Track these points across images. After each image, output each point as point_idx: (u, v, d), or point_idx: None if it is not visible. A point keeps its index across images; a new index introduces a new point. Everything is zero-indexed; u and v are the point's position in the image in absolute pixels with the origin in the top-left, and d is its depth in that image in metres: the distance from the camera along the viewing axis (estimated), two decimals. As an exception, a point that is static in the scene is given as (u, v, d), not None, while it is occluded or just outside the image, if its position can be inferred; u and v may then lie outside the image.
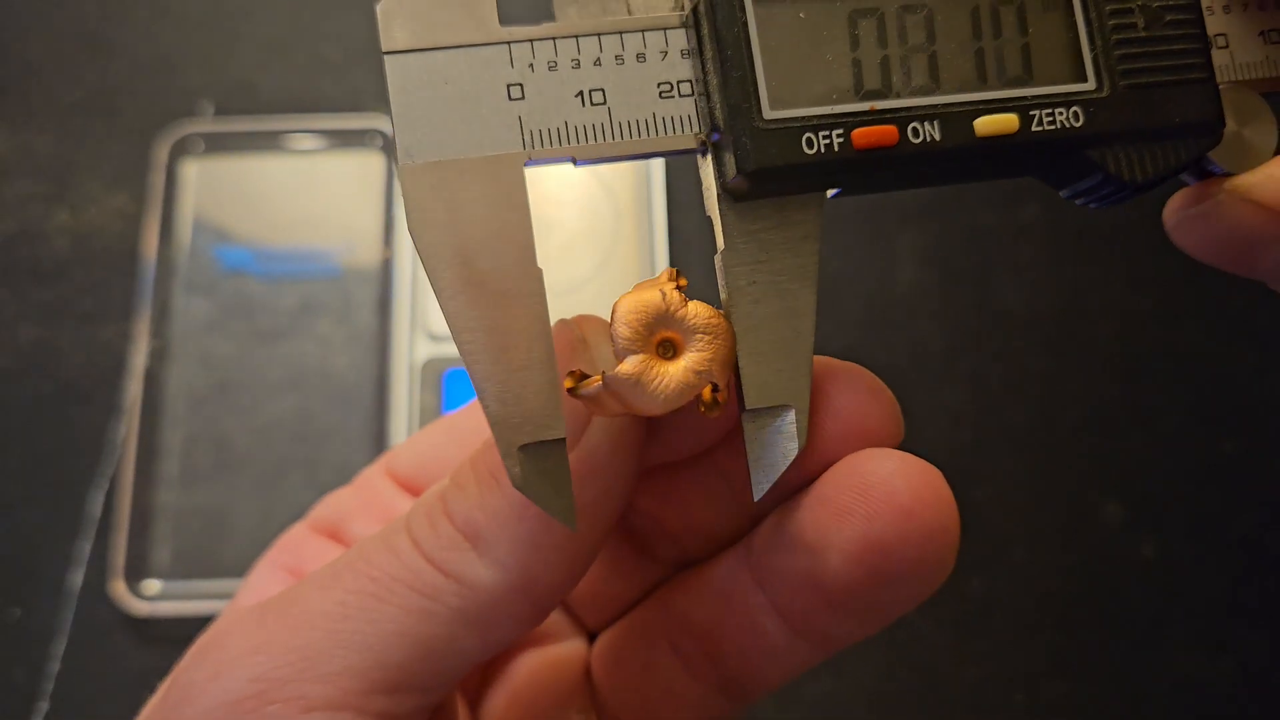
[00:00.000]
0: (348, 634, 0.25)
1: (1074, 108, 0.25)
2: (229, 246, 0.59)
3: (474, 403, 0.30)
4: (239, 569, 0.56)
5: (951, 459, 0.64)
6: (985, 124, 0.25)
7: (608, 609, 0.31)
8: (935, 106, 0.24)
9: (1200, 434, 0.58)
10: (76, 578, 0.53)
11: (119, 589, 0.53)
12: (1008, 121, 0.25)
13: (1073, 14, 0.25)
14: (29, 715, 0.52)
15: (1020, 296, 0.60)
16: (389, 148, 0.60)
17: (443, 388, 0.56)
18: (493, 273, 0.24)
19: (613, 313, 0.24)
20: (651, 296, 0.24)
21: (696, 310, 0.24)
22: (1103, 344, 0.59)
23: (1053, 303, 0.60)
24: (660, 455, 0.27)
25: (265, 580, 0.31)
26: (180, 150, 0.60)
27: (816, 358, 0.25)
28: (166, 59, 0.62)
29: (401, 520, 0.26)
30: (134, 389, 0.55)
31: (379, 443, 0.56)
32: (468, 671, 0.26)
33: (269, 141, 0.60)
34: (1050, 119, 0.25)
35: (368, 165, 0.60)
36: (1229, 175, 0.26)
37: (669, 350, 0.24)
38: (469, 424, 0.30)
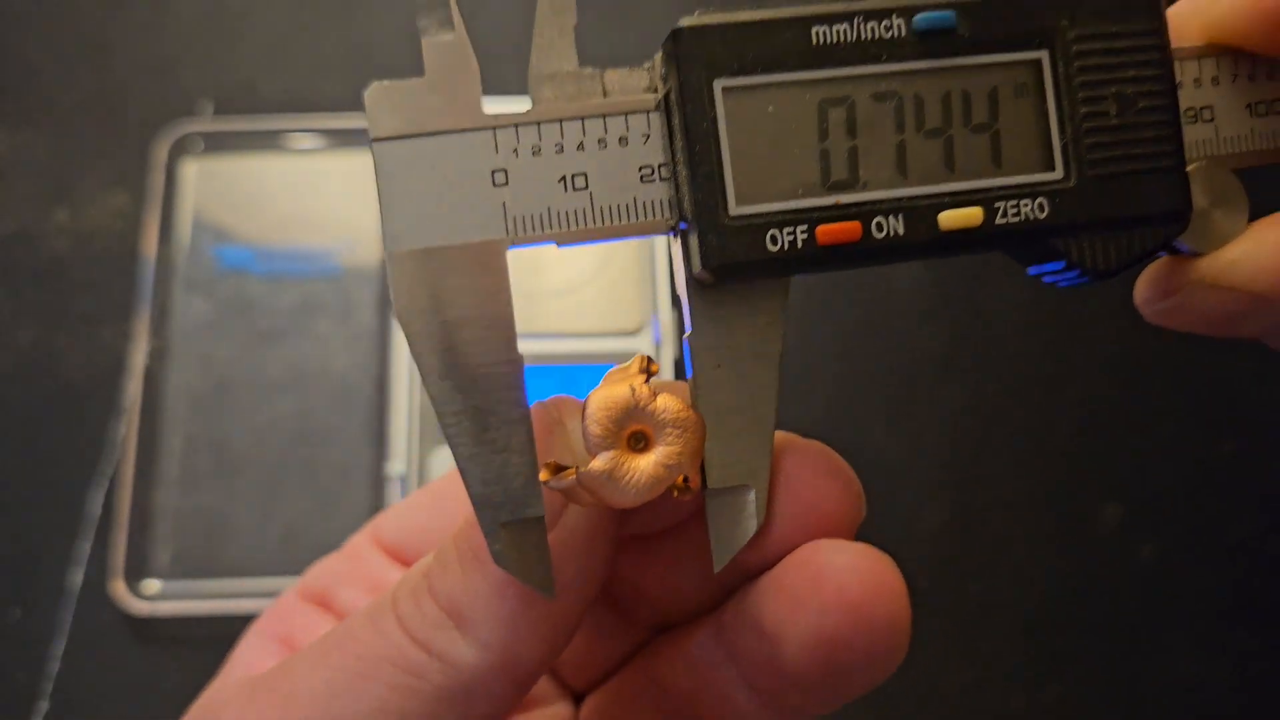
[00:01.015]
0: (336, 711, 0.26)
1: (1039, 198, 0.25)
2: (229, 246, 0.59)
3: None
4: (239, 569, 0.56)
5: (951, 461, 0.64)
6: (950, 218, 0.25)
7: (593, 672, 0.32)
8: (901, 200, 0.25)
9: (1199, 436, 0.58)
10: (76, 578, 0.53)
11: (119, 589, 0.53)
12: (972, 215, 0.25)
13: (1045, 101, 0.26)
14: (29, 715, 0.52)
15: (1019, 299, 0.60)
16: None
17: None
18: (475, 358, 0.24)
19: (584, 408, 0.25)
20: (621, 392, 0.25)
21: (666, 404, 0.25)
22: (1101, 347, 0.60)
23: (1051, 306, 0.60)
24: (638, 527, 0.28)
25: (256, 650, 0.32)
26: (180, 150, 0.60)
27: (781, 435, 0.26)
28: (166, 59, 0.62)
29: (387, 598, 0.27)
30: (134, 389, 0.56)
31: (379, 442, 0.56)
32: None
33: (269, 141, 0.60)
34: (1015, 210, 0.25)
35: (367, 165, 0.60)
36: (1195, 254, 0.26)
37: (640, 442, 0.25)
38: (454, 491, 0.31)
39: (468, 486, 0.25)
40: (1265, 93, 0.27)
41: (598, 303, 0.58)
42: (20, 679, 0.53)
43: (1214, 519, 0.57)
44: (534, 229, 0.25)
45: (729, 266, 0.25)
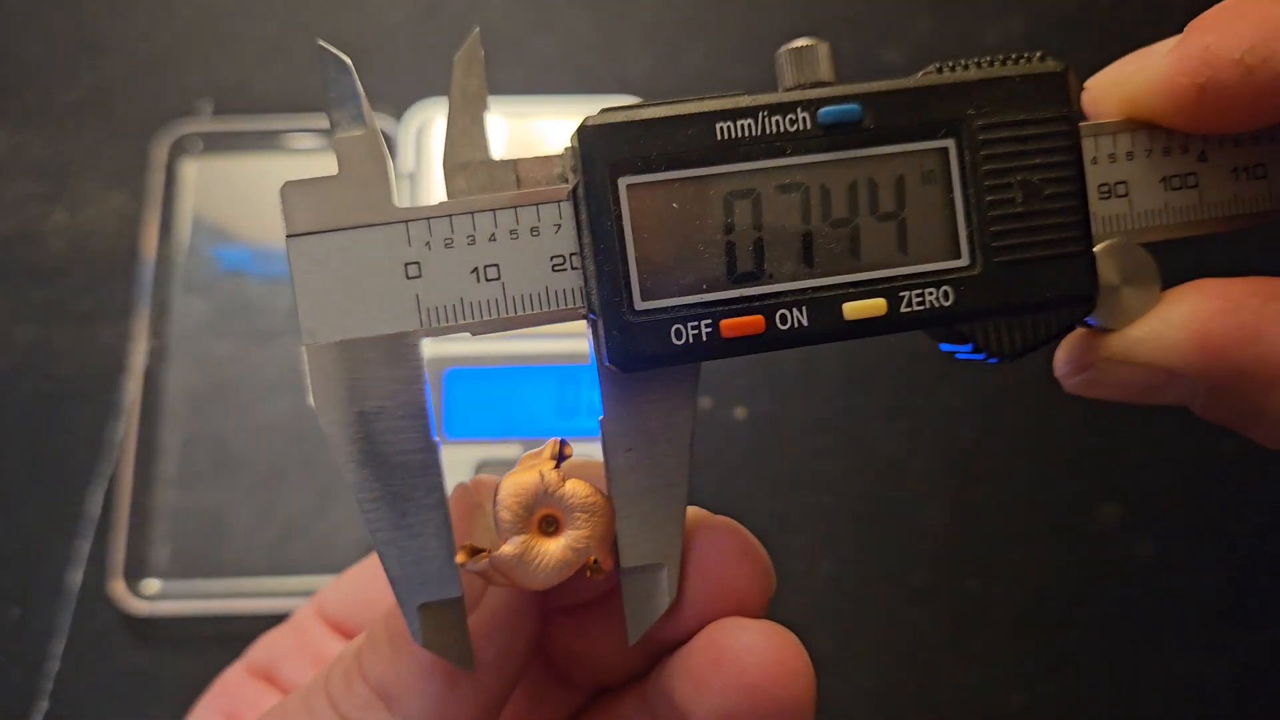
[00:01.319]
0: None
1: (944, 287, 0.26)
2: (227, 246, 0.59)
3: None
4: (237, 569, 0.56)
5: (951, 459, 0.64)
6: (854, 309, 0.25)
7: None
8: (805, 291, 0.25)
9: (1198, 435, 0.58)
10: (75, 577, 0.53)
11: (118, 589, 0.53)
12: (876, 306, 0.25)
13: (951, 189, 0.26)
14: (28, 714, 0.52)
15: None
16: (389, 148, 0.59)
17: (442, 386, 0.56)
18: (391, 446, 0.25)
19: (495, 494, 0.26)
20: (530, 479, 0.26)
21: (574, 489, 0.26)
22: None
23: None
24: (566, 599, 0.29)
25: None
26: (178, 150, 0.60)
27: (693, 510, 0.27)
28: (164, 59, 0.62)
29: (321, 677, 0.28)
30: (132, 389, 0.56)
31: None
32: None
33: (267, 141, 0.60)
34: (919, 299, 0.26)
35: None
36: (1107, 329, 0.26)
37: (551, 526, 0.26)
38: None
39: (387, 570, 0.25)
40: (1179, 167, 0.27)
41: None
42: (19, 678, 0.53)
43: (1213, 518, 0.57)
44: (447, 319, 0.25)
45: (633, 360, 0.25)
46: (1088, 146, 0.27)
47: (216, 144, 0.60)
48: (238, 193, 0.60)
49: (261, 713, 0.29)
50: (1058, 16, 0.64)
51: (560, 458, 0.26)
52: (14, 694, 0.53)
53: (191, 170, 0.60)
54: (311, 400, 0.25)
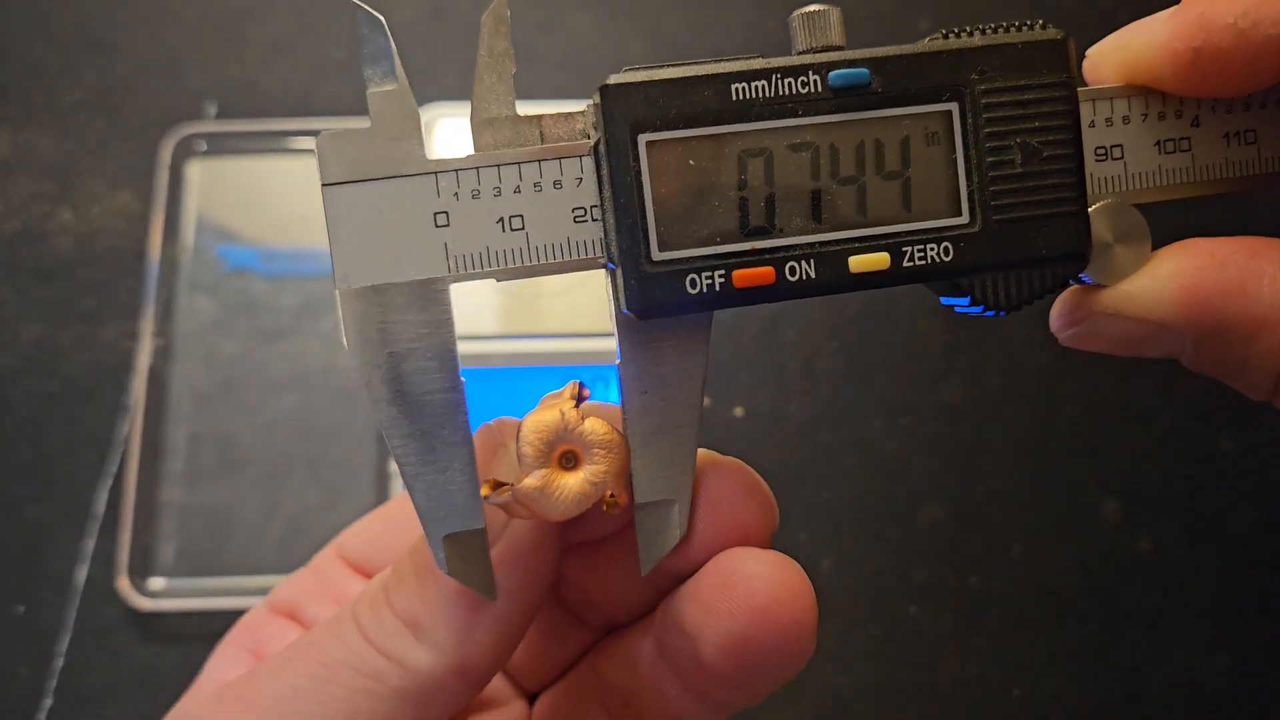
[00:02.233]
0: (300, 714, 0.28)
1: (945, 243, 0.27)
2: (232, 246, 0.59)
3: None
4: (243, 566, 0.56)
5: (950, 456, 0.64)
6: (859, 262, 0.27)
7: (545, 673, 0.34)
8: (814, 245, 0.27)
9: (1197, 432, 0.58)
10: (81, 574, 0.54)
11: (124, 585, 0.53)
12: (880, 260, 0.27)
13: (954, 150, 0.27)
14: (34, 710, 0.52)
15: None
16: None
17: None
18: (420, 386, 0.27)
19: (518, 431, 0.27)
20: (551, 416, 0.27)
21: (593, 427, 0.27)
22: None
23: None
24: (581, 535, 0.31)
25: (227, 662, 0.35)
26: (184, 151, 0.60)
27: (703, 452, 0.29)
28: (170, 60, 0.62)
29: (348, 608, 0.30)
30: (138, 387, 0.56)
31: (381, 440, 0.56)
32: None
33: (272, 142, 0.61)
34: (921, 254, 0.27)
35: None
36: (1100, 285, 0.28)
37: (571, 462, 0.27)
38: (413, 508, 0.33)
39: (414, 503, 0.27)
40: (1173, 131, 0.28)
41: (598, 302, 0.58)
42: (25, 674, 0.53)
43: (1212, 514, 0.57)
44: (474, 267, 0.27)
45: (650, 308, 0.27)
46: (1085, 110, 0.28)
47: (221, 145, 0.61)
48: (242, 193, 0.61)
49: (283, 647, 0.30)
50: (1057, 17, 0.64)
51: (579, 399, 0.28)
52: (20, 690, 0.53)
53: (196, 171, 0.60)
54: (344, 342, 0.26)
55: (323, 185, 0.26)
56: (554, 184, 0.27)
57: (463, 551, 0.27)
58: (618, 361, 0.28)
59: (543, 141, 0.27)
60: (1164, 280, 0.26)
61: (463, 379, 0.27)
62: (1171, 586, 0.56)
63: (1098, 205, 0.28)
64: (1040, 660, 0.55)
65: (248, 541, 0.55)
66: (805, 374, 0.59)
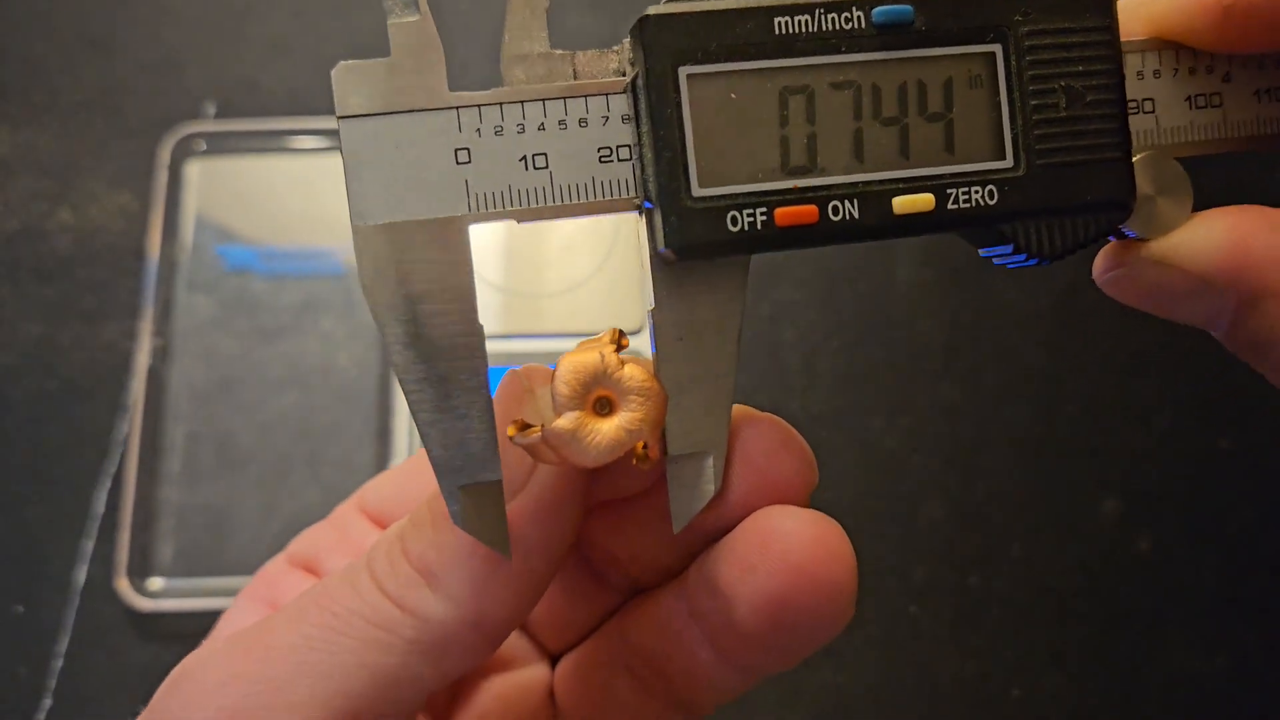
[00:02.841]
0: (312, 664, 0.27)
1: (989, 186, 0.26)
2: (232, 245, 0.59)
3: None
4: (242, 565, 0.56)
5: (950, 454, 0.64)
6: (903, 203, 0.26)
7: (568, 634, 0.33)
8: (856, 185, 0.26)
9: (1197, 430, 0.58)
10: (80, 574, 0.53)
11: (123, 585, 0.53)
12: (924, 201, 0.26)
13: (997, 92, 0.27)
14: (33, 711, 0.52)
15: (1018, 294, 0.60)
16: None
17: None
18: (437, 329, 0.25)
19: (555, 370, 0.26)
20: (591, 358, 0.26)
21: (632, 373, 0.26)
22: (1100, 340, 0.59)
23: (1050, 299, 0.60)
24: (607, 493, 0.29)
25: (244, 612, 0.33)
26: (183, 150, 0.60)
27: (738, 407, 0.28)
28: (169, 59, 0.62)
29: (363, 558, 0.28)
30: (137, 387, 0.56)
31: (382, 439, 0.56)
32: (425, 698, 0.28)
33: (271, 142, 0.61)
34: (966, 197, 0.26)
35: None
36: (1142, 239, 0.27)
37: (605, 408, 0.26)
38: None
39: (429, 451, 0.25)
40: (1204, 86, 0.28)
41: (597, 303, 0.58)
42: (24, 675, 0.53)
43: (1211, 513, 0.57)
44: (495, 206, 0.25)
45: (691, 246, 0.25)
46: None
47: (221, 144, 0.61)
48: (241, 193, 0.60)
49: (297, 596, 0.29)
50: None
51: (619, 345, 0.27)
52: (19, 690, 0.53)
53: (196, 170, 0.60)
54: (360, 281, 0.25)
55: (339, 117, 0.25)
56: (580, 122, 0.26)
57: (478, 504, 0.26)
58: (650, 308, 0.27)
59: (575, 79, 0.26)
60: (1217, 233, 0.26)
61: (480, 325, 0.26)
62: (1171, 586, 0.56)
63: (1140, 156, 0.27)
64: (1040, 660, 0.55)
65: (247, 541, 0.55)
66: (805, 374, 0.58)
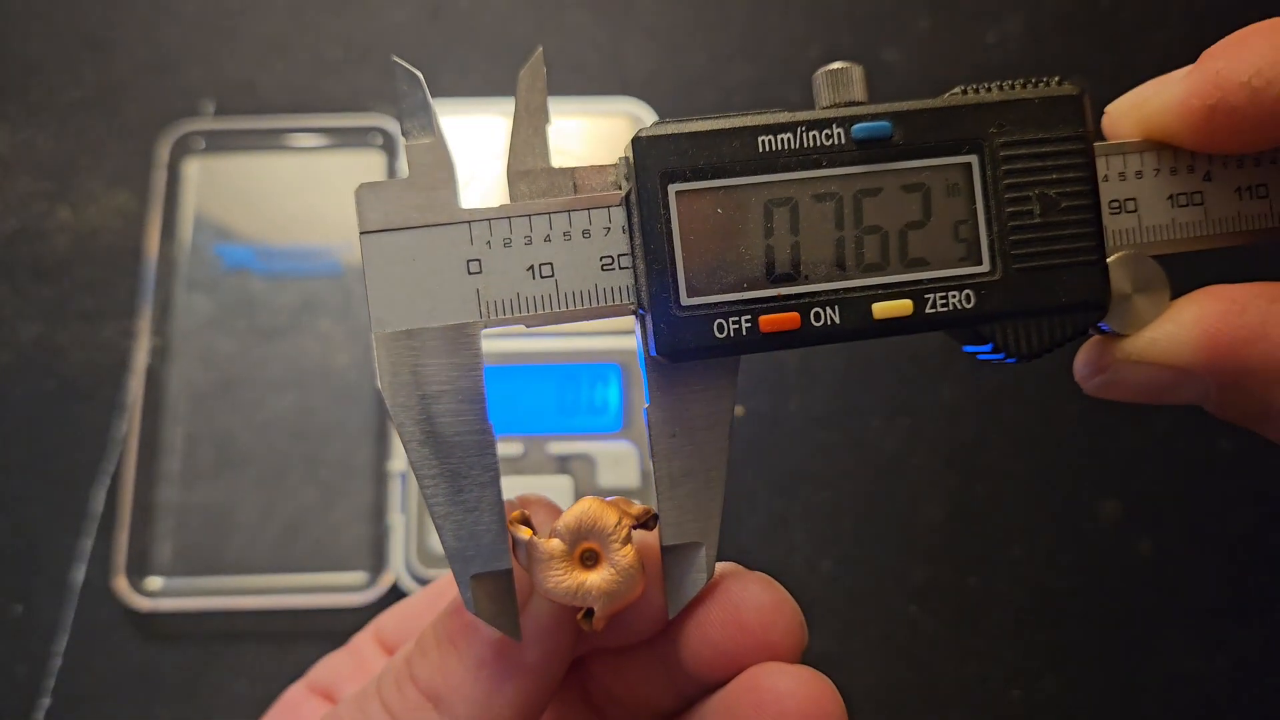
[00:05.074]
0: None
1: (966, 290, 0.28)
2: (230, 244, 0.59)
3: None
4: (240, 565, 0.56)
5: (950, 456, 0.64)
6: (882, 309, 0.28)
7: None
8: (838, 292, 0.28)
9: (1197, 432, 0.58)
10: (79, 574, 0.54)
11: (121, 585, 0.53)
12: (903, 306, 0.28)
13: (974, 200, 0.28)
14: (31, 710, 0.52)
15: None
16: (389, 146, 0.60)
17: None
18: (450, 427, 0.28)
19: (578, 503, 0.28)
20: (609, 517, 0.28)
21: (625, 553, 0.28)
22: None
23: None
24: (605, 643, 0.31)
25: None
26: (181, 149, 0.60)
27: (731, 566, 0.30)
28: (168, 58, 0.62)
29: (372, 683, 0.30)
30: (135, 386, 0.56)
31: (380, 439, 0.56)
32: None
33: (270, 140, 0.61)
34: (944, 301, 0.28)
35: (368, 163, 0.60)
36: (1120, 335, 0.29)
37: (588, 560, 0.28)
38: (451, 592, 0.34)
39: (443, 542, 0.28)
40: (1186, 185, 0.29)
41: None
42: (22, 674, 0.53)
43: (1211, 515, 0.57)
44: (505, 312, 0.28)
45: (679, 352, 0.28)
46: (1101, 165, 0.29)
47: (219, 143, 0.61)
48: (240, 191, 0.61)
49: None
50: (1056, 16, 0.64)
51: (645, 523, 0.29)
52: (18, 690, 0.53)
53: (194, 169, 0.60)
54: (379, 384, 0.27)
55: (361, 233, 0.28)
56: (583, 233, 0.28)
57: (490, 592, 0.28)
58: (646, 406, 0.29)
59: (576, 192, 0.28)
60: (1186, 326, 0.27)
61: (491, 422, 0.28)
62: (1171, 587, 0.56)
63: (1116, 256, 0.29)
64: (1040, 660, 0.55)
65: (245, 541, 0.55)
66: (805, 374, 0.58)
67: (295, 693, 0.37)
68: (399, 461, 0.56)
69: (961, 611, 0.56)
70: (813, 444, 0.58)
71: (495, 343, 0.56)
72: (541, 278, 0.27)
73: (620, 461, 0.55)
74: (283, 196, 0.61)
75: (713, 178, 0.27)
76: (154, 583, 0.54)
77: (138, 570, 0.54)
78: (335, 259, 0.60)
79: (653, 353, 0.28)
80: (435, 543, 0.54)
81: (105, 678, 0.54)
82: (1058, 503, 0.57)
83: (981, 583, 0.56)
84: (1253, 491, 0.58)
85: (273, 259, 0.60)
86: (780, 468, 0.58)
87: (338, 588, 0.54)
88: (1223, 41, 0.27)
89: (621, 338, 0.57)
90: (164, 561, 0.55)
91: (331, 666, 0.37)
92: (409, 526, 0.54)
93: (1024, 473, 0.58)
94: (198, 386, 0.57)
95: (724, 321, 0.27)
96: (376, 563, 0.55)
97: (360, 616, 0.45)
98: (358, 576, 0.54)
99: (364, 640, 0.37)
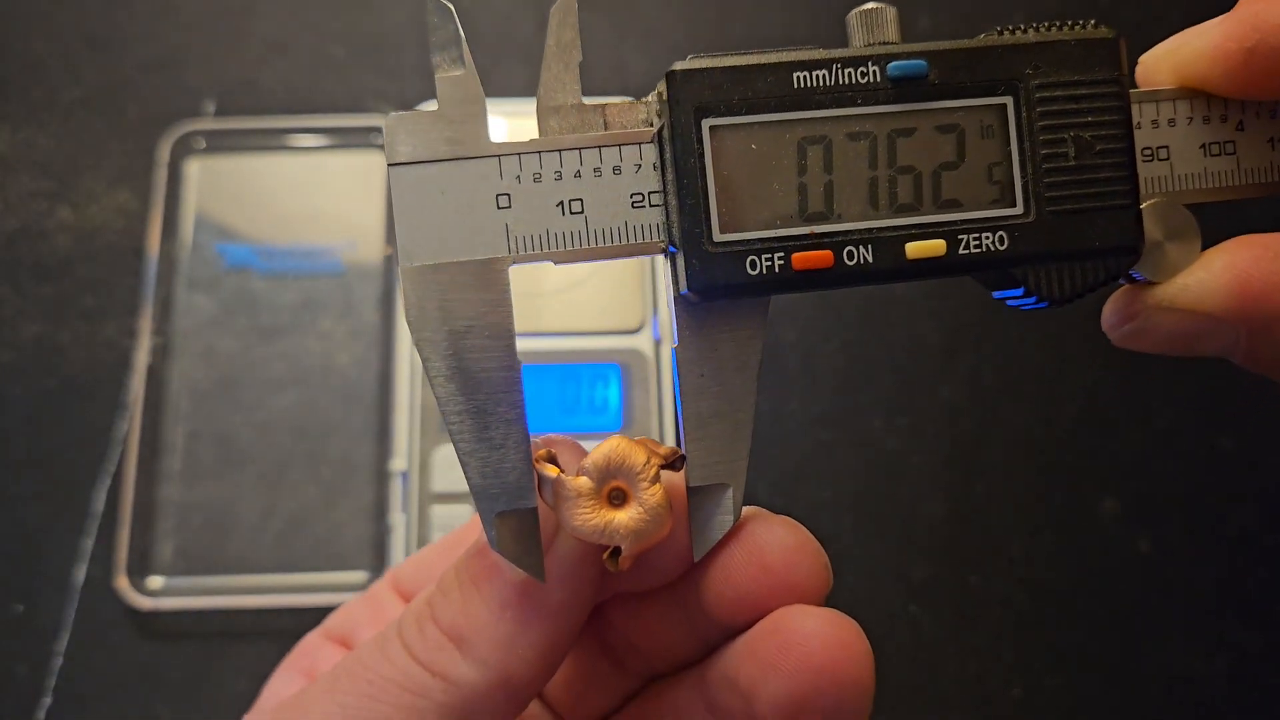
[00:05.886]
0: None
1: (1000, 232, 0.28)
2: (231, 243, 0.59)
3: (473, 520, 0.34)
4: (242, 564, 0.56)
5: (950, 454, 0.64)
6: (915, 248, 0.28)
7: (588, 718, 0.34)
8: (871, 231, 0.27)
9: (1196, 430, 0.58)
10: (80, 573, 0.54)
11: (122, 584, 0.53)
12: (936, 246, 0.27)
13: (1009, 142, 0.28)
14: (33, 710, 0.52)
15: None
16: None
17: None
18: (478, 363, 0.27)
19: (608, 439, 0.28)
20: (637, 454, 0.28)
21: (654, 492, 0.28)
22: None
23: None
24: (629, 585, 0.31)
25: (283, 683, 0.35)
26: (183, 148, 0.60)
27: (755, 510, 0.30)
28: (169, 57, 0.62)
29: (394, 625, 0.30)
30: (137, 385, 0.56)
31: (381, 439, 0.56)
32: None
33: (271, 140, 0.61)
34: (977, 243, 0.28)
35: (370, 163, 0.60)
36: (1150, 282, 0.28)
37: (616, 499, 0.28)
38: (469, 540, 0.34)
39: (468, 479, 0.27)
40: (1219, 134, 0.29)
41: (597, 301, 0.58)
42: (24, 674, 0.53)
43: (1211, 512, 0.57)
44: (534, 248, 0.27)
45: (711, 289, 0.27)
46: (1134, 112, 0.29)
47: (220, 142, 0.61)
48: (241, 191, 0.61)
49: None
50: (1057, 15, 0.64)
51: (673, 464, 0.28)
52: (19, 689, 0.53)
53: (195, 168, 0.60)
54: (405, 317, 0.27)
55: (389, 165, 0.27)
56: (614, 169, 0.27)
57: (514, 530, 0.27)
58: (675, 346, 0.28)
59: (606, 129, 0.28)
60: (1217, 272, 0.27)
61: (518, 360, 0.27)
62: (1170, 585, 0.56)
63: (1148, 203, 0.28)
64: (1040, 660, 0.55)
65: (247, 540, 0.55)
66: (805, 374, 0.59)
67: (311, 640, 0.37)
68: (400, 460, 0.56)
69: (961, 609, 0.56)
70: (813, 443, 0.58)
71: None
72: (571, 214, 0.27)
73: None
74: (284, 196, 0.61)
75: (747, 113, 0.27)
76: (155, 582, 0.54)
77: (139, 569, 0.54)
78: (336, 258, 0.60)
79: (684, 291, 0.27)
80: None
81: (106, 677, 0.53)
82: (1057, 501, 0.57)
83: (981, 581, 0.56)
84: (1253, 490, 0.58)
85: (274, 258, 0.60)
86: (780, 466, 0.58)
87: (339, 587, 0.54)
88: None
89: (622, 338, 0.57)
90: (165, 560, 0.54)
91: (348, 614, 0.37)
92: (410, 525, 0.54)
93: (1023, 471, 0.58)
94: (199, 385, 0.57)
95: (756, 258, 0.27)
96: (378, 562, 0.54)
97: (361, 615, 0.45)
98: (359, 576, 0.54)
99: (381, 588, 0.37)
